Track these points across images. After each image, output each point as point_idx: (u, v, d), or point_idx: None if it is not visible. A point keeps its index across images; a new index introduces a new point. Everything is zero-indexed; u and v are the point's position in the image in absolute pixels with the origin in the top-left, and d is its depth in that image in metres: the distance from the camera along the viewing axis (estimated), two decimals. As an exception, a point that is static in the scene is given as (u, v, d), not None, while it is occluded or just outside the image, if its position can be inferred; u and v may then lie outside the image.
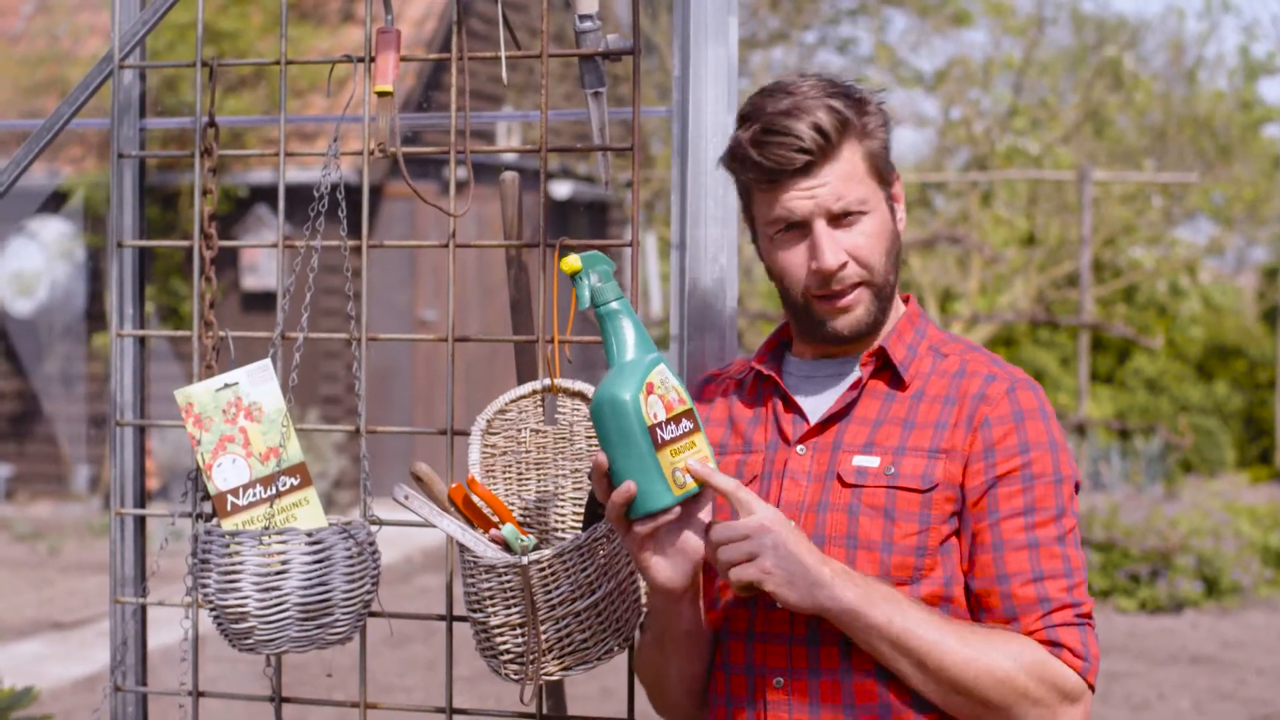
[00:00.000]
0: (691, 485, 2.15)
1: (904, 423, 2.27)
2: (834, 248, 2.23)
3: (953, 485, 2.23)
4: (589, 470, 2.48)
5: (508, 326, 2.73)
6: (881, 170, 2.27)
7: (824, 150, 2.20)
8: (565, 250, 2.57)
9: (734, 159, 2.27)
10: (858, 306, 2.27)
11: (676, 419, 2.15)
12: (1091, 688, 2.20)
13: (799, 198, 2.22)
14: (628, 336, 2.18)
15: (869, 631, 2.14)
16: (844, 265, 2.24)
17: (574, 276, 2.20)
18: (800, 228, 2.25)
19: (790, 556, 2.10)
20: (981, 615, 2.22)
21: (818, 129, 2.19)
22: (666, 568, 2.18)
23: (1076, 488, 2.27)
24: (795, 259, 2.26)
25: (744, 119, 2.26)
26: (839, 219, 2.24)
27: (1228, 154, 18.12)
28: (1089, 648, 2.19)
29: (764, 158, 2.21)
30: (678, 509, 2.15)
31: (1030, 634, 2.18)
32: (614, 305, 2.18)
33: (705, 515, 2.20)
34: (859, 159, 2.24)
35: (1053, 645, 2.17)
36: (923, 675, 2.16)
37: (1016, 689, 2.14)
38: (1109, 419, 14.56)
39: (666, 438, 2.13)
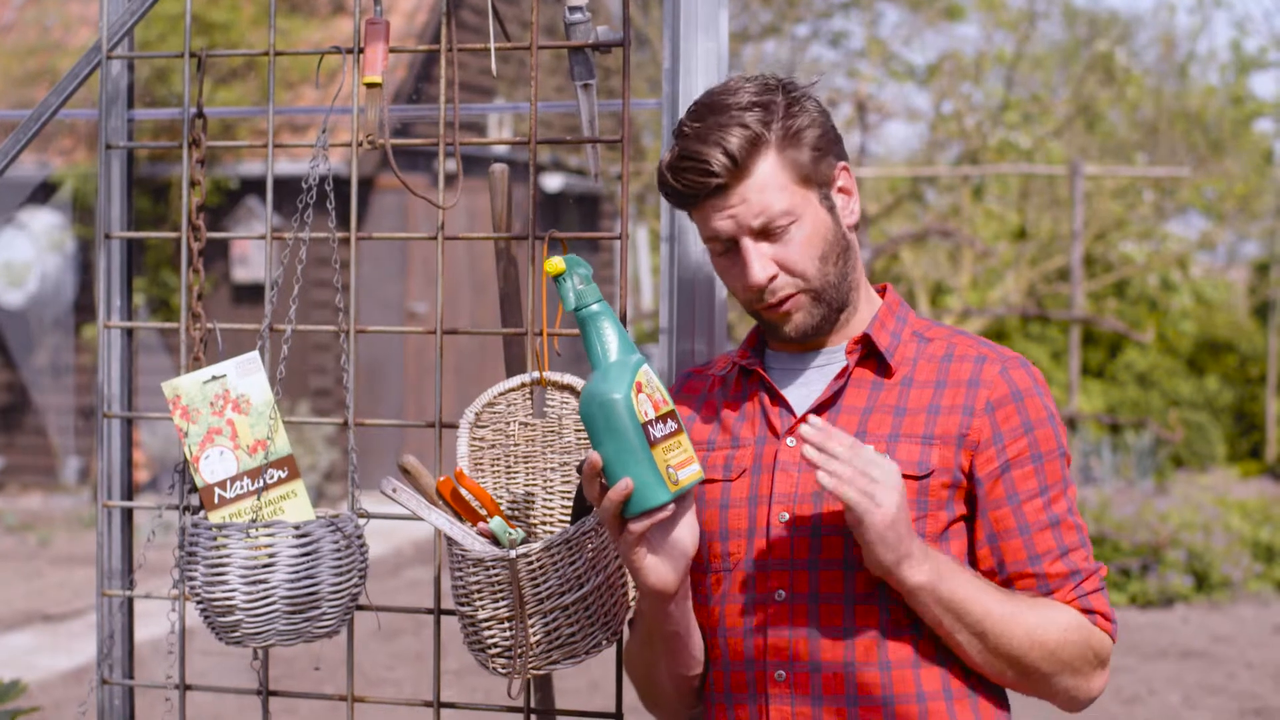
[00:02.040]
0: (685, 482, 2.15)
1: (895, 409, 2.28)
2: (761, 262, 2.25)
3: (948, 470, 2.24)
4: (578, 464, 2.48)
5: (498, 319, 2.72)
6: (811, 174, 2.27)
7: (733, 172, 2.22)
8: (554, 243, 2.56)
9: (660, 184, 2.31)
10: (798, 312, 2.29)
11: (663, 418, 2.16)
12: (1114, 643, 2.30)
13: (720, 219, 2.25)
14: (610, 338, 2.18)
15: (937, 605, 2.17)
16: (774, 278, 2.26)
17: (557, 279, 2.20)
18: (732, 245, 2.28)
19: (898, 520, 2.11)
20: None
21: (725, 152, 2.21)
22: (659, 568, 2.18)
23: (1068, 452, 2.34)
24: (733, 275, 2.30)
25: (675, 136, 2.29)
26: (764, 233, 2.25)
27: (1219, 149, 18.15)
28: (1110, 608, 2.29)
29: (679, 183, 2.26)
30: (673, 506, 2.15)
31: (1067, 604, 2.25)
32: (595, 308, 2.19)
33: (692, 515, 2.21)
34: (779, 170, 2.24)
35: (1088, 613, 2.26)
36: (980, 645, 2.20)
37: (1063, 659, 2.23)
38: (1100, 413, 14.60)
39: (658, 436, 2.14)
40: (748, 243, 2.25)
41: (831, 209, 2.30)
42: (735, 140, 2.21)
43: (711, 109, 2.25)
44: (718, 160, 2.21)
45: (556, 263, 2.20)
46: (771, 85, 2.28)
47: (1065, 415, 11.33)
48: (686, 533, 2.19)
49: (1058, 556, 2.25)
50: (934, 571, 2.16)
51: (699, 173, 2.22)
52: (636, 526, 2.14)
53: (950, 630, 2.20)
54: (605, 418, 2.12)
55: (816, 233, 2.27)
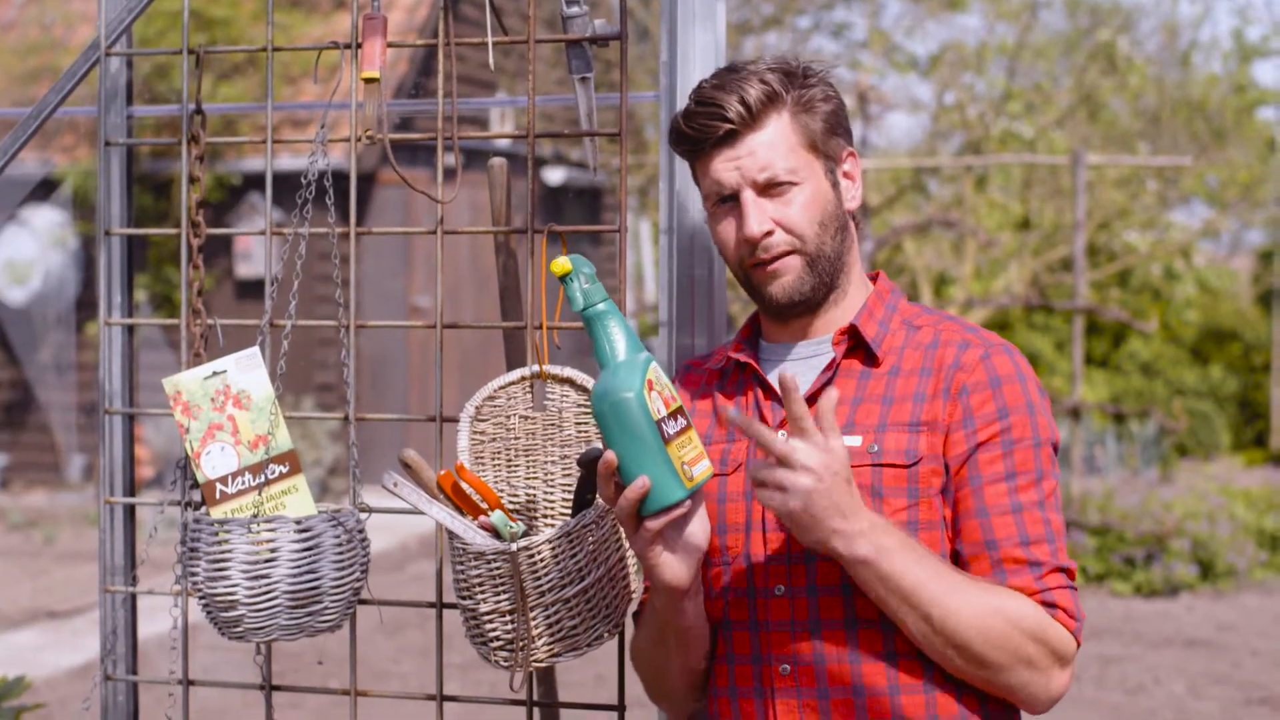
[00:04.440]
0: (699, 478, 2.15)
1: (882, 399, 2.28)
2: (759, 216, 2.27)
3: (936, 457, 2.24)
4: (578, 457, 2.48)
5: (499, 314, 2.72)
6: (819, 144, 2.30)
7: (746, 120, 2.26)
8: (556, 240, 2.57)
9: (671, 133, 2.35)
10: (787, 273, 2.30)
11: (674, 414, 2.15)
12: (1078, 646, 2.24)
13: (724, 168, 2.28)
14: (618, 336, 2.18)
15: (880, 583, 2.13)
16: (770, 233, 2.28)
17: (564, 278, 2.20)
18: (732, 200, 2.30)
19: (815, 506, 2.07)
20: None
21: (742, 100, 2.25)
22: (674, 564, 2.18)
23: (1055, 448, 2.29)
24: (729, 231, 2.31)
25: (692, 93, 2.33)
26: (767, 189, 2.28)
27: (1222, 137, 18.13)
28: (1079, 609, 2.23)
29: (689, 127, 2.29)
30: (689, 502, 2.15)
31: (1026, 596, 2.20)
32: (601, 307, 2.19)
33: (704, 511, 2.21)
34: (789, 131, 2.28)
35: (1048, 606, 2.20)
36: (927, 628, 2.16)
37: (1015, 651, 2.17)
38: (1104, 403, 14.59)
39: (671, 433, 2.13)
40: (748, 195, 2.27)
41: (835, 185, 2.33)
42: (754, 92, 2.25)
43: (732, 70, 2.31)
44: (733, 107, 2.25)
45: (563, 263, 2.20)
46: (792, 60, 2.33)
47: (1069, 405, 11.32)
48: (699, 528, 2.19)
49: (1017, 544, 2.20)
50: (873, 547, 2.11)
51: (712, 116, 2.26)
52: (654, 524, 2.13)
53: (895, 610, 2.16)
54: (618, 416, 2.11)
55: (817, 199, 2.29)
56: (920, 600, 2.14)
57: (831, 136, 2.32)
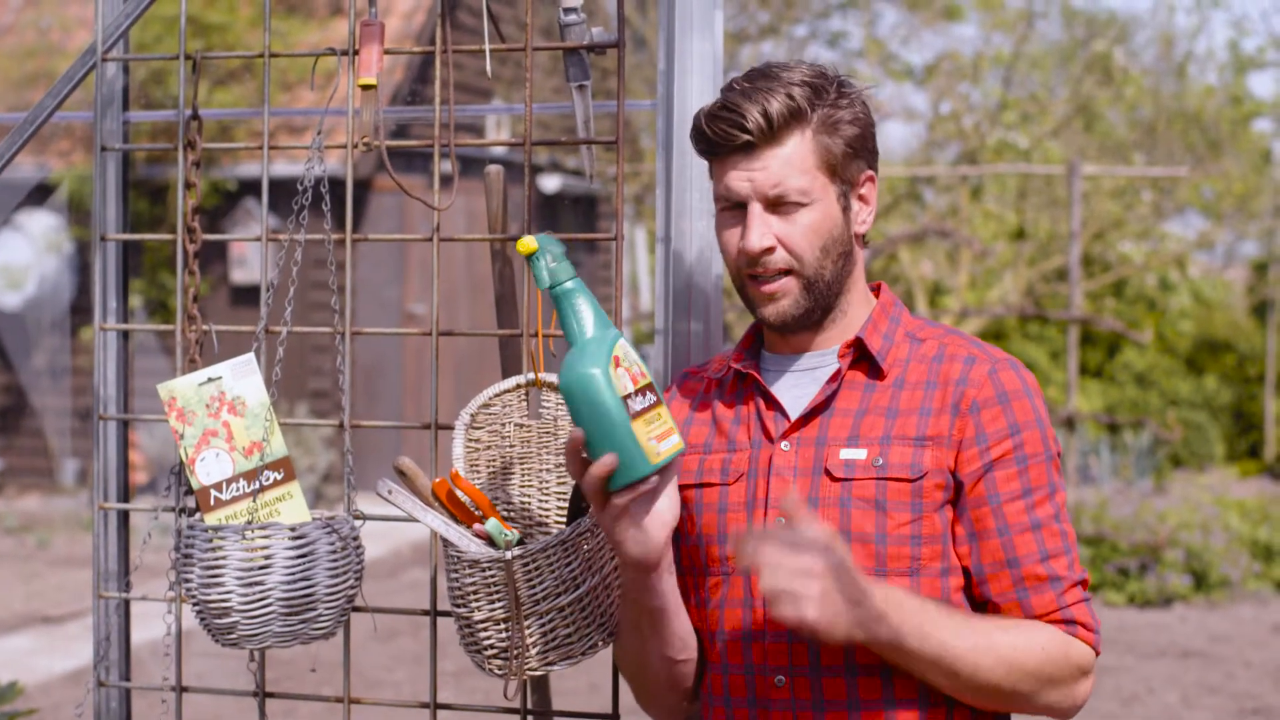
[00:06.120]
0: (667, 454, 2.16)
1: (887, 412, 2.27)
2: (762, 230, 2.25)
3: (942, 472, 2.23)
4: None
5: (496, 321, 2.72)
6: (838, 167, 2.28)
7: (765, 134, 2.24)
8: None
9: (692, 129, 2.33)
10: (784, 297, 2.29)
11: (642, 391, 2.16)
12: (1098, 654, 2.28)
13: (738, 177, 2.26)
14: (585, 314, 2.18)
15: (907, 657, 2.15)
16: (770, 250, 2.26)
17: (530, 258, 2.20)
18: (740, 208, 2.28)
19: (834, 602, 2.05)
20: (987, 593, 2.24)
21: (764, 113, 2.23)
22: (642, 540, 2.18)
23: (1059, 458, 2.31)
24: (732, 238, 2.30)
25: (722, 90, 2.32)
26: (776, 205, 2.26)
27: (1217, 148, 18.15)
28: (1095, 619, 2.26)
29: (710, 130, 2.27)
30: (656, 478, 2.16)
31: (1047, 614, 2.22)
32: (569, 284, 2.19)
33: (673, 487, 2.21)
34: (809, 151, 2.25)
35: (1068, 624, 2.23)
36: (955, 684, 2.18)
37: (1043, 678, 2.20)
38: (1098, 413, 14.60)
39: (638, 409, 2.14)
40: (756, 208, 2.25)
41: (846, 209, 2.30)
42: (777, 106, 2.23)
43: (764, 74, 2.28)
44: (754, 118, 2.23)
45: (529, 242, 2.20)
46: (829, 75, 2.30)
47: (1063, 415, 11.32)
48: (668, 504, 2.19)
49: (1038, 560, 2.22)
50: (893, 630, 2.11)
51: (732, 124, 2.24)
52: (620, 500, 2.14)
53: (922, 673, 2.18)
54: (584, 393, 2.12)
55: (824, 223, 2.27)
56: (946, 662, 2.16)
57: (852, 160, 2.29)
